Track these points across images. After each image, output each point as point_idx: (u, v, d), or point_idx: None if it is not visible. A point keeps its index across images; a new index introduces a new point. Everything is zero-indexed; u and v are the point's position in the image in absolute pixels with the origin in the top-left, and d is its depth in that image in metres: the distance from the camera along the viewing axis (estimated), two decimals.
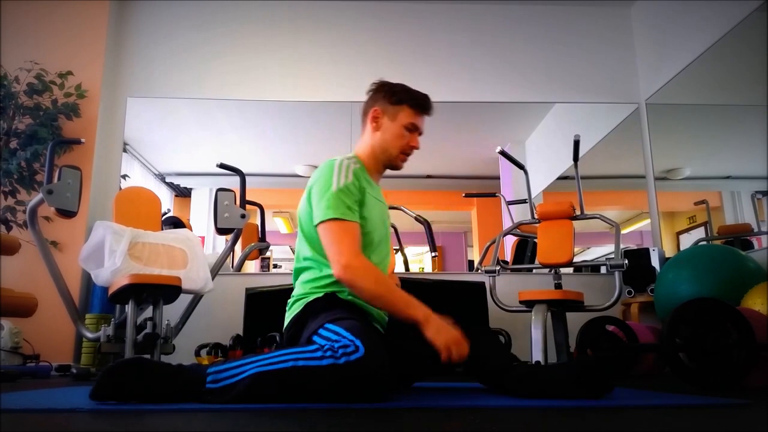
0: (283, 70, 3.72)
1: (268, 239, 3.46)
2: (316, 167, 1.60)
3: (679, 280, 2.67)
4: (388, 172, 1.73)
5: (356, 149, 1.71)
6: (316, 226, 1.50)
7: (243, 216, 2.74)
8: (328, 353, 1.25)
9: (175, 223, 3.19)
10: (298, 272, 1.62)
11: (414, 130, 1.66)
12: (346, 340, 1.28)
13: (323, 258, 1.53)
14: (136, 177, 3.65)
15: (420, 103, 1.66)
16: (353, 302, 1.51)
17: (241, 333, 2.90)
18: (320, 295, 1.51)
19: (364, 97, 1.72)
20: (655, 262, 3.18)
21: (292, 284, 1.64)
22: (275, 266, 3.70)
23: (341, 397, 1.21)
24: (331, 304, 1.48)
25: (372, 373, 1.22)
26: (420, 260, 3.81)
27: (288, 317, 1.57)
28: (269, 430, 0.90)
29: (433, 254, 3.53)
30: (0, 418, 1.02)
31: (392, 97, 1.65)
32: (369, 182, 1.63)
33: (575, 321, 2.51)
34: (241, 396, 1.20)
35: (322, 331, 1.36)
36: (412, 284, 2.39)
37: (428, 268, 3.69)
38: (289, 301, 1.61)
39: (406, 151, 1.67)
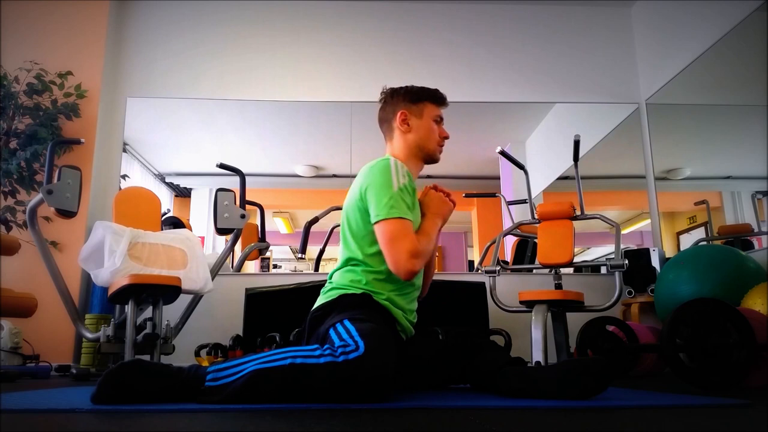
0: (283, 70, 3.72)
1: (268, 239, 3.45)
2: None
3: (679, 280, 2.67)
4: None
5: (391, 154, 1.73)
6: (375, 223, 1.52)
7: (243, 216, 2.74)
8: (327, 352, 1.25)
9: (175, 223, 3.19)
10: (341, 269, 1.63)
11: (440, 121, 1.78)
12: (351, 339, 1.28)
13: (370, 260, 1.57)
14: (136, 177, 3.65)
15: (438, 96, 1.78)
16: (386, 307, 1.54)
17: (240, 333, 2.89)
18: (357, 292, 1.54)
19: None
20: (655, 262, 3.18)
21: (327, 278, 1.67)
22: (275, 266, 3.70)
23: (340, 397, 1.21)
24: (363, 304, 1.51)
25: (370, 372, 1.22)
26: None
27: (319, 301, 1.60)
28: (269, 430, 0.90)
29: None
30: (0, 418, 1.02)
31: (412, 96, 1.75)
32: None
33: (575, 321, 2.51)
34: (238, 393, 1.20)
35: (339, 326, 1.38)
36: None
37: None
38: (325, 286, 1.64)
39: (440, 143, 1.78)
